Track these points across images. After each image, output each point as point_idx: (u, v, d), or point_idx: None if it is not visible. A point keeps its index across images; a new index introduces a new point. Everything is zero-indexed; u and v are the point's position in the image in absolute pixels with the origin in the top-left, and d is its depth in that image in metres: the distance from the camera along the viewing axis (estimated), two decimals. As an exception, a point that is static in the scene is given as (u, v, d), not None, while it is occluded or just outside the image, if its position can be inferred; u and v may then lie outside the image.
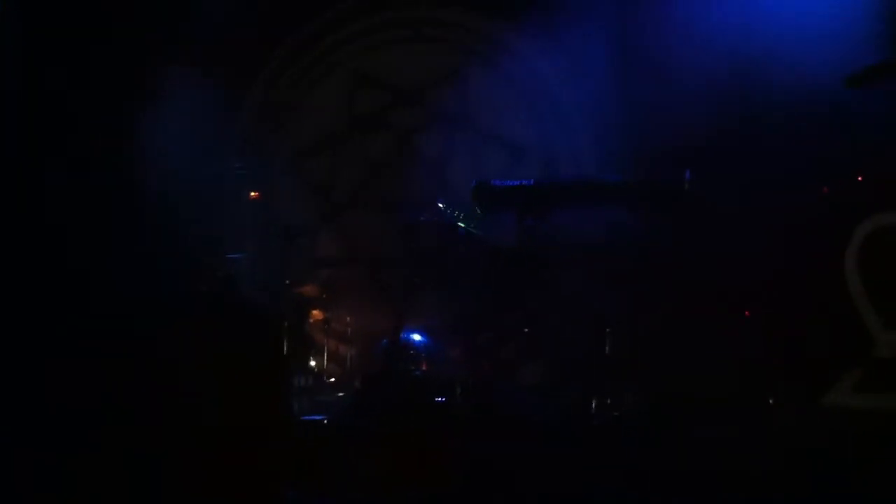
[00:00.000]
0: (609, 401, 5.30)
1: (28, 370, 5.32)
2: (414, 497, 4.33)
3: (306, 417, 5.17)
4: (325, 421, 5.10)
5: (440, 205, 5.89)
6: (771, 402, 5.05)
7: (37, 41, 6.69)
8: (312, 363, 6.27)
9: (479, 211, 5.74)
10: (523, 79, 7.47)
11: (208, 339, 1.89)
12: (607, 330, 5.44)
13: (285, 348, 5.35)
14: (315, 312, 6.38)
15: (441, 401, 5.26)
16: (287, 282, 6.28)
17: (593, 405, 5.28)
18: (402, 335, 5.73)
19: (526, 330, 5.91)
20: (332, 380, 6.35)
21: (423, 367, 5.76)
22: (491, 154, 7.53)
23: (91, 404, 5.24)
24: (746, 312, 5.34)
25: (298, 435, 4.40)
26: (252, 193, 6.42)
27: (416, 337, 5.86)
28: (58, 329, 5.62)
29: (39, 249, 6.07)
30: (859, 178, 5.05)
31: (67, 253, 6.16)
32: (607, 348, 5.43)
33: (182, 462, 1.83)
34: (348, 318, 6.55)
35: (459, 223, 5.81)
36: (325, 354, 6.35)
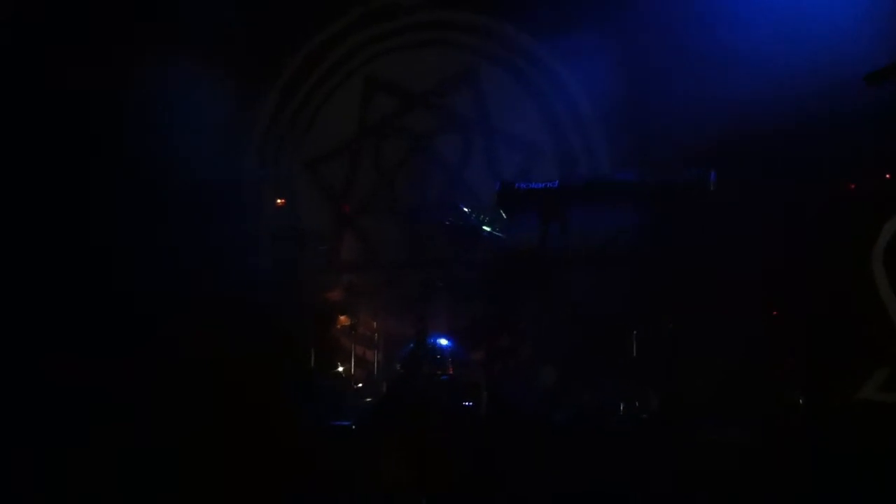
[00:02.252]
0: (633, 403, 5.28)
1: (35, 368, 5.35)
2: (429, 498, 4.34)
3: (333, 423, 5.15)
4: (352, 426, 5.09)
5: (463, 208, 5.87)
6: (798, 401, 5.03)
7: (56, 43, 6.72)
8: (339, 368, 6.27)
9: (502, 213, 5.73)
10: (539, 80, 7.47)
11: (223, 340, 1.86)
12: (632, 332, 5.43)
13: (297, 351, 5.35)
14: (341, 317, 6.37)
15: (468, 405, 5.25)
16: (312, 287, 6.28)
17: (617, 407, 5.27)
18: (427, 339, 5.72)
19: (546, 332, 5.90)
20: (359, 385, 6.34)
21: (450, 372, 5.75)
22: (508, 155, 7.53)
23: (98, 401, 5.26)
24: (774, 312, 5.32)
25: (309, 437, 4.39)
26: (279, 200, 6.41)
27: (443, 341, 5.85)
28: (71, 327, 5.64)
29: (56, 251, 6.08)
30: (886, 176, 5.03)
31: (85, 255, 6.17)
32: (632, 350, 5.42)
33: (188, 461, 1.82)
34: (374, 323, 6.54)
35: (483, 226, 5.80)
36: (353, 359, 6.35)
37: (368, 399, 6.04)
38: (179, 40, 7.08)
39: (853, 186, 5.10)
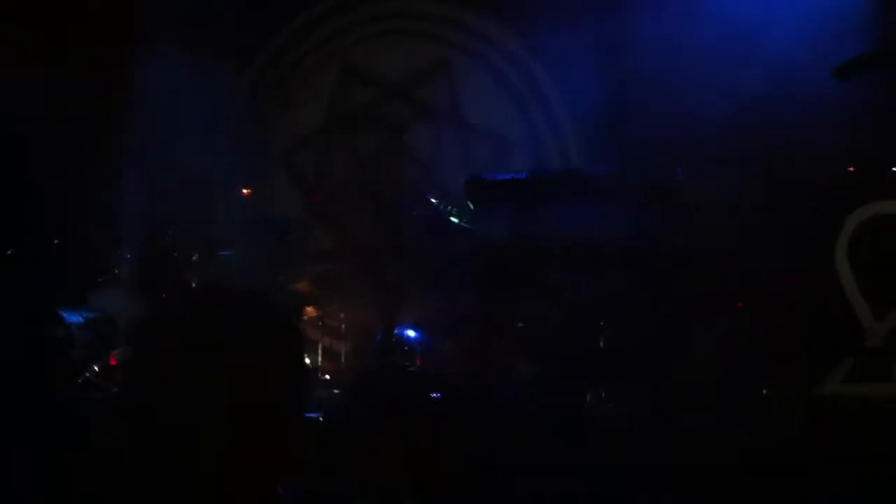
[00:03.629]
0: (603, 398, 5.29)
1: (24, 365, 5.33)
2: (409, 497, 4.32)
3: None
4: (321, 418, 5.07)
5: (431, 199, 5.87)
6: (763, 393, 5.05)
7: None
8: (307, 360, 6.25)
9: (470, 205, 5.73)
10: (511, 72, 7.47)
11: (207, 333, 1.85)
12: (600, 326, 5.43)
13: (294, 346, 5.31)
14: (309, 309, 6.35)
15: (436, 396, 5.24)
16: (280, 278, 6.25)
17: (588, 403, 5.27)
18: (395, 330, 5.71)
19: (519, 325, 5.90)
20: (327, 376, 6.33)
21: (418, 363, 5.75)
22: (479, 147, 7.53)
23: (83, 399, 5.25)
24: (739, 304, 5.34)
25: (301, 434, 4.36)
26: (245, 190, 6.38)
27: (411, 332, 5.85)
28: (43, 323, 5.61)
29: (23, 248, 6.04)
30: (849, 169, 5.06)
31: (49, 249, 6.12)
32: (600, 345, 5.42)
33: (179, 462, 1.80)
34: (342, 314, 6.53)
35: (451, 217, 5.80)
36: (320, 351, 6.33)
37: (336, 391, 6.03)
38: (149, 26, 7.03)
39: (819, 178, 5.13)
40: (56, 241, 5.89)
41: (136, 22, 7.05)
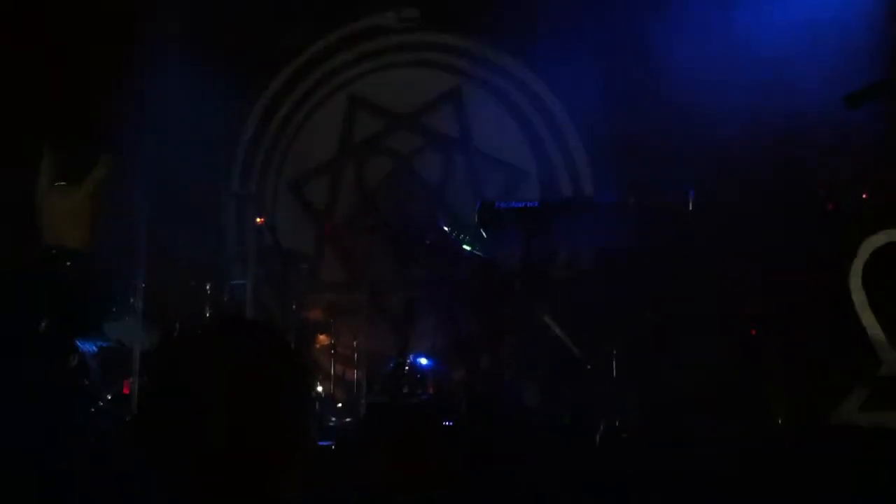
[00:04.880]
0: (610, 414, 5.26)
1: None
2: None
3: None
4: (333, 446, 5.06)
5: (444, 227, 5.87)
6: (778, 421, 5.02)
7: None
8: (319, 388, 6.24)
9: (483, 233, 5.73)
10: (522, 99, 7.49)
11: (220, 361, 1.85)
12: (612, 351, 5.42)
13: (304, 374, 5.30)
14: (321, 337, 6.35)
15: (448, 424, 5.22)
16: (293, 306, 6.25)
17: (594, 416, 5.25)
18: (408, 358, 5.70)
19: (527, 349, 5.89)
20: (340, 405, 6.31)
21: (430, 391, 5.73)
22: (491, 175, 7.54)
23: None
24: (752, 331, 5.32)
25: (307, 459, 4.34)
26: (258, 220, 6.39)
27: (423, 360, 5.83)
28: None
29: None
30: (864, 195, 5.05)
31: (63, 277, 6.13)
32: (612, 369, 5.41)
33: (189, 483, 1.80)
34: (354, 342, 6.52)
35: (463, 245, 5.80)
36: (332, 379, 6.31)
37: (349, 419, 6.02)
38: (163, 54, 7.08)
39: (832, 206, 5.12)
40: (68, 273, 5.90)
41: (145, 51, 7.10)
